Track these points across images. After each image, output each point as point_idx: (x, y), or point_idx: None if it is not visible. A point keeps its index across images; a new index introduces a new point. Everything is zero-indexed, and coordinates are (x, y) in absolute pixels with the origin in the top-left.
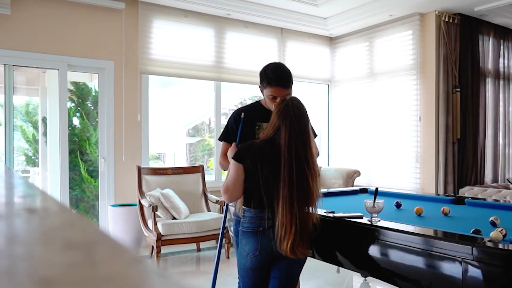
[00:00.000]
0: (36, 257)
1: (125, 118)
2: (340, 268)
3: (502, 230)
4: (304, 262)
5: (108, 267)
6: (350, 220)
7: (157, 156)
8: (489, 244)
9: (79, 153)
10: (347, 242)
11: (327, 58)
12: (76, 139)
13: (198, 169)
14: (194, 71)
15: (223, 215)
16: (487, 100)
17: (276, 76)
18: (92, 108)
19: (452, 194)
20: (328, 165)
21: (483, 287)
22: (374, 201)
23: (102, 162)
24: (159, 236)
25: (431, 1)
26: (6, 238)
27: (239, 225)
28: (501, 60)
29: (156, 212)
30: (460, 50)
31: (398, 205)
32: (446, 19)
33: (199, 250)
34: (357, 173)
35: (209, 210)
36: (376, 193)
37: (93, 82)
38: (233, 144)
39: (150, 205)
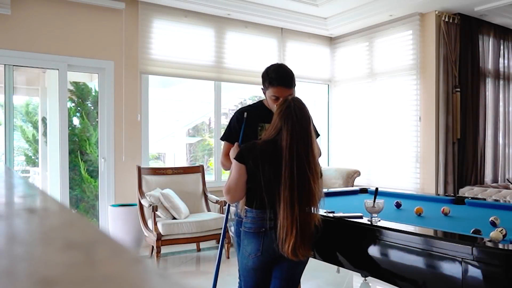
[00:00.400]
0: (36, 257)
1: (125, 118)
2: (340, 268)
3: (502, 230)
4: (306, 263)
5: (108, 267)
6: (350, 220)
7: (157, 156)
8: (489, 244)
9: (79, 153)
10: (347, 242)
11: (327, 58)
12: (76, 139)
13: (198, 169)
14: (194, 71)
15: (224, 215)
16: (487, 100)
17: (278, 76)
18: (92, 108)
19: (452, 194)
20: (328, 165)
21: (483, 287)
22: (374, 201)
23: (102, 162)
24: (159, 236)
25: (431, 1)
26: (6, 238)
27: (240, 225)
28: (501, 60)
29: (156, 212)
30: (460, 50)
31: (398, 205)
32: (446, 19)
33: (199, 250)
34: (357, 173)
35: (209, 210)
36: (376, 193)
37: (93, 82)
38: (236, 144)
39: (150, 205)
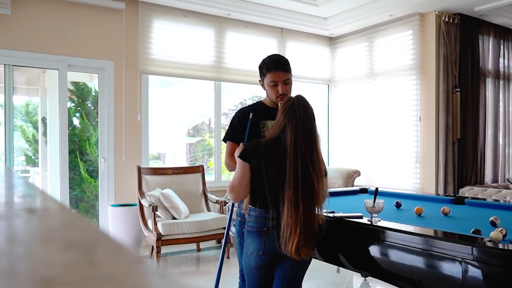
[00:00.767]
0: (36, 257)
1: (125, 118)
2: (340, 268)
3: (502, 230)
4: (309, 263)
5: (108, 267)
6: (350, 220)
7: (157, 156)
8: (489, 244)
9: (79, 153)
10: (347, 242)
11: (327, 58)
12: (76, 139)
13: (198, 169)
14: (194, 71)
15: (226, 215)
16: (487, 100)
17: (274, 61)
18: (92, 108)
19: (452, 194)
20: (328, 165)
21: (483, 287)
22: (374, 201)
23: (102, 162)
24: (159, 236)
25: (431, 1)
26: (6, 238)
27: (243, 226)
28: (501, 60)
29: (156, 212)
30: (460, 50)
31: (398, 205)
32: (446, 19)
33: (199, 250)
34: (357, 173)
35: (209, 210)
36: (376, 193)
37: (93, 82)
38: (241, 144)
39: (150, 205)
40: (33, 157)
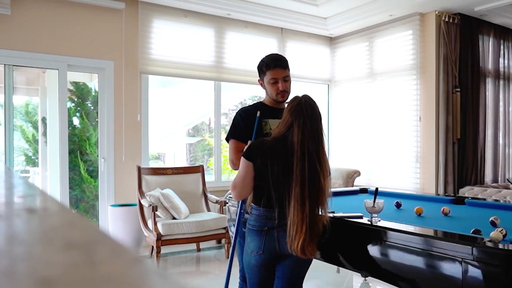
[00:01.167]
0: (36, 257)
1: (125, 118)
2: (340, 268)
3: (502, 230)
4: (310, 262)
5: (108, 267)
6: (350, 220)
7: (157, 156)
8: (489, 244)
9: (79, 153)
10: (347, 242)
11: (327, 58)
12: (76, 139)
13: (198, 169)
14: (194, 71)
15: (237, 211)
16: (487, 100)
17: (272, 59)
18: (92, 108)
19: (452, 194)
20: None
21: (483, 287)
22: (374, 201)
23: (102, 162)
24: (159, 236)
25: (431, 1)
26: (6, 238)
27: (243, 226)
28: (501, 60)
29: (156, 212)
30: (460, 50)
31: (398, 205)
32: (446, 19)
33: (199, 250)
34: (357, 173)
35: (209, 210)
36: (376, 193)
37: (93, 82)
38: (249, 142)
39: (150, 205)
40: (33, 157)
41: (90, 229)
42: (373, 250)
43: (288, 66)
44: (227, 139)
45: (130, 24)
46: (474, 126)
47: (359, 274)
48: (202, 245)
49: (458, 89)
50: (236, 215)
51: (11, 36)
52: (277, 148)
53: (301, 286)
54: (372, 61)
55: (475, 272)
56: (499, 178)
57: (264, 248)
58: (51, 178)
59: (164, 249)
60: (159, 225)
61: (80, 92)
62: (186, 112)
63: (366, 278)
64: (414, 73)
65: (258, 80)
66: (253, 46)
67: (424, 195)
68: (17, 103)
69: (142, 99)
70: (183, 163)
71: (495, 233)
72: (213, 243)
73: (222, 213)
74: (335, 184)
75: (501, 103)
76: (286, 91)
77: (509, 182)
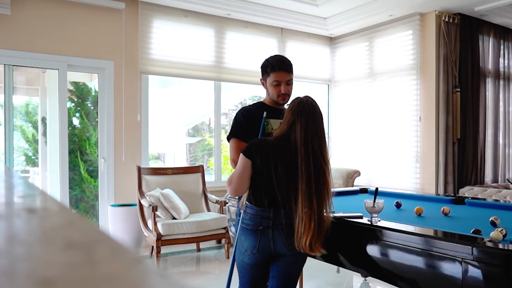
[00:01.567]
0: (36, 257)
1: (125, 118)
2: (340, 268)
3: (502, 230)
4: (304, 262)
5: (108, 267)
6: (350, 220)
7: (157, 156)
8: (489, 244)
9: (79, 153)
10: (347, 242)
11: (327, 58)
12: (76, 139)
13: (198, 169)
14: (194, 71)
15: (225, 215)
16: (487, 100)
17: (278, 61)
18: (92, 108)
19: (452, 194)
20: None
21: (483, 287)
22: (374, 201)
23: (102, 162)
24: (159, 236)
25: (431, 1)
26: (6, 238)
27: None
28: (501, 60)
29: (156, 212)
30: (460, 50)
31: (398, 205)
32: (446, 19)
33: (199, 250)
34: (357, 173)
35: (209, 210)
36: (376, 193)
37: (93, 82)
38: None
39: (150, 205)
40: (33, 157)
41: (90, 229)
42: (373, 250)
43: (292, 70)
44: (228, 138)
45: (130, 24)
46: (474, 126)
47: (359, 274)
48: (202, 245)
49: (458, 89)
50: (236, 215)
51: (11, 36)
52: (280, 148)
53: (296, 285)
54: (372, 61)
55: (475, 272)
56: (499, 178)
57: (259, 247)
58: (51, 178)
59: (164, 249)
60: (159, 225)
61: (80, 92)
62: (186, 112)
63: (366, 278)
64: (414, 73)
65: (260, 79)
66: (253, 46)
67: (424, 195)
68: (17, 103)
69: (142, 99)
70: (183, 163)
71: (495, 233)
72: (213, 243)
73: (222, 213)
74: (335, 184)
75: (501, 103)
76: (288, 94)
77: (509, 182)
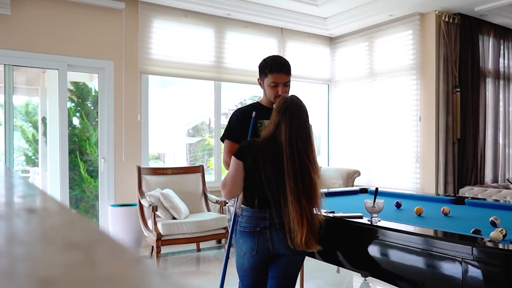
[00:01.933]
0: (36, 257)
1: (125, 118)
2: (340, 268)
3: (502, 230)
4: (302, 261)
5: (108, 267)
6: (350, 220)
7: (157, 156)
8: (489, 244)
9: (79, 153)
10: (347, 242)
11: (327, 58)
12: (76, 139)
13: (198, 169)
14: (194, 71)
15: (226, 215)
16: (487, 100)
17: (276, 63)
18: (92, 108)
19: (452, 194)
20: (328, 165)
21: (483, 287)
22: (374, 201)
23: (102, 162)
24: (159, 236)
25: (431, 1)
26: (6, 238)
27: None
28: (501, 60)
29: (156, 212)
30: (460, 50)
31: (398, 205)
32: (446, 19)
33: (199, 250)
34: (357, 173)
35: (209, 210)
36: (376, 193)
37: (93, 82)
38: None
39: (150, 205)
40: (33, 157)
41: (90, 229)
42: (373, 250)
43: (290, 71)
44: (222, 139)
45: (130, 24)
46: (474, 126)
47: (359, 274)
48: (202, 245)
49: (458, 89)
50: (232, 215)
51: (11, 36)
52: (269, 148)
53: (295, 285)
54: (372, 61)
55: (475, 272)
56: (499, 178)
57: (257, 249)
58: (51, 178)
59: (164, 249)
60: (159, 225)
61: (80, 92)
62: (186, 112)
63: (366, 278)
64: (414, 73)
65: (258, 79)
66: (253, 46)
67: (424, 195)
68: (17, 103)
69: (142, 99)
70: (183, 163)
71: (495, 233)
72: (213, 243)
73: (222, 213)
74: (335, 184)
75: (501, 103)
76: None
77: (509, 182)
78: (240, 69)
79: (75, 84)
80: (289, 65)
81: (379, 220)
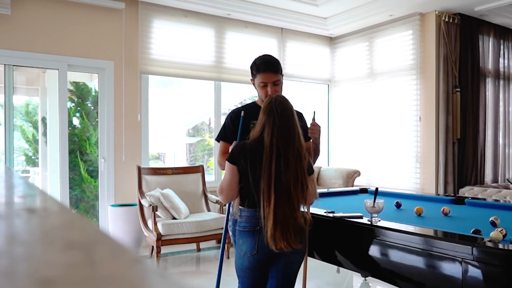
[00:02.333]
0: (36, 257)
1: (125, 118)
2: (340, 268)
3: (502, 230)
4: (301, 262)
5: (108, 267)
6: (350, 220)
7: (157, 156)
8: (489, 244)
9: (79, 153)
10: (347, 242)
11: (327, 58)
12: (76, 139)
13: (198, 169)
14: (194, 71)
15: (225, 215)
16: (487, 100)
17: (264, 62)
18: (92, 108)
19: (452, 194)
20: (328, 165)
21: (483, 287)
22: (374, 201)
23: (102, 162)
24: (159, 236)
25: (431, 1)
26: (6, 238)
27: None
28: (501, 60)
29: (156, 212)
30: (460, 50)
31: (398, 205)
32: (446, 19)
33: (199, 250)
34: (357, 173)
35: (209, 210)
36: (376, 193)
37: (93, 82)
38: (234, 142)
39: (150, 205)
40: (33, 157)
41: (90, 229)
42: (373, 250)
43: (280, 70)
44: (217, 140)
45: (130, 24)
46: (474, 126)
47: (359, 274)
48: (202, 245)
49: (458, 89)
50: (226, 216)
51: (11, 36)
52: (257, 150)
53: (294, 285)
54: (372, 61)
55: (475, 272)
56: (499, 178)
57: (258, 247)
58: (51, 178)
59: (164, 249)
60: (159, 225)
61: (80, 92)
62: (186, 112)
63: (366, 278)
64: (414, 73)
65: (251, 80)
66: (253, 46)
67: (424, 195)
68: (17, 103)
69: (142, 99)
70: (183, 163)
71: (495, 233)
72: (213, 243)
73: (222, 213)
74: (335, 184)
75: (501, 103)
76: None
77: (509, 182)
78: (240, 69)
79: (75, 84)
80: (278, 64)
81: (379, 220)
